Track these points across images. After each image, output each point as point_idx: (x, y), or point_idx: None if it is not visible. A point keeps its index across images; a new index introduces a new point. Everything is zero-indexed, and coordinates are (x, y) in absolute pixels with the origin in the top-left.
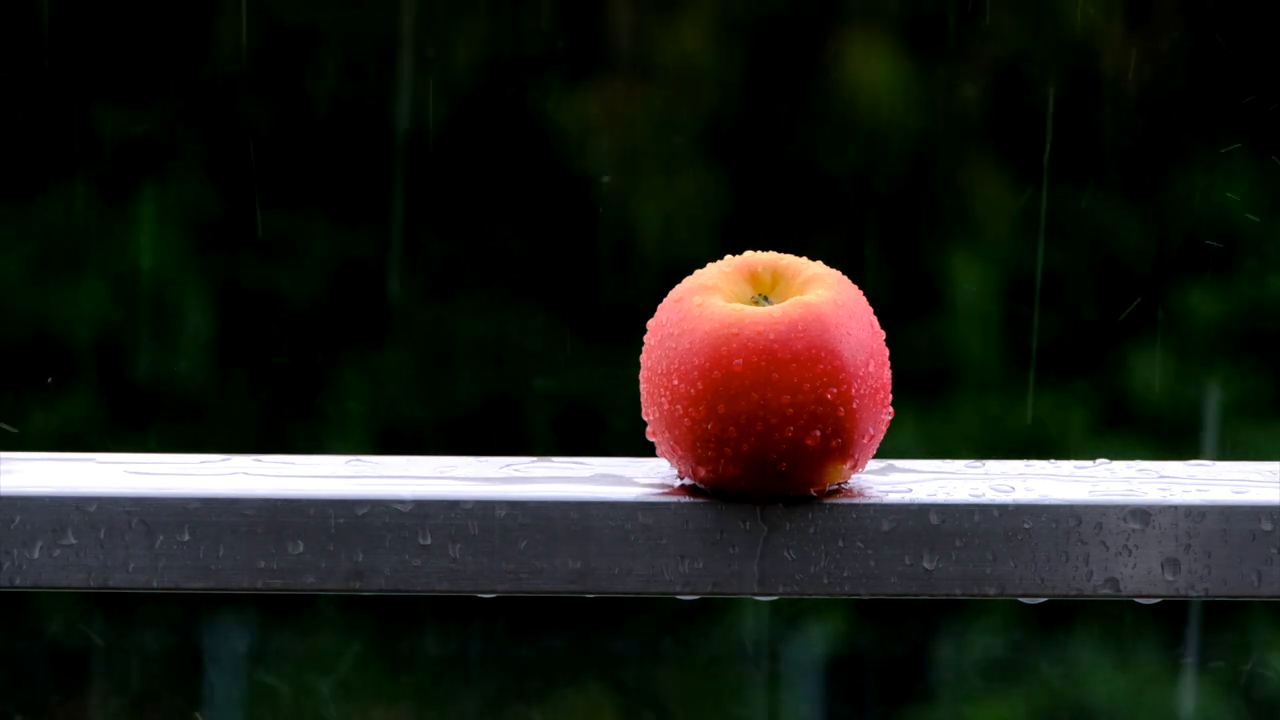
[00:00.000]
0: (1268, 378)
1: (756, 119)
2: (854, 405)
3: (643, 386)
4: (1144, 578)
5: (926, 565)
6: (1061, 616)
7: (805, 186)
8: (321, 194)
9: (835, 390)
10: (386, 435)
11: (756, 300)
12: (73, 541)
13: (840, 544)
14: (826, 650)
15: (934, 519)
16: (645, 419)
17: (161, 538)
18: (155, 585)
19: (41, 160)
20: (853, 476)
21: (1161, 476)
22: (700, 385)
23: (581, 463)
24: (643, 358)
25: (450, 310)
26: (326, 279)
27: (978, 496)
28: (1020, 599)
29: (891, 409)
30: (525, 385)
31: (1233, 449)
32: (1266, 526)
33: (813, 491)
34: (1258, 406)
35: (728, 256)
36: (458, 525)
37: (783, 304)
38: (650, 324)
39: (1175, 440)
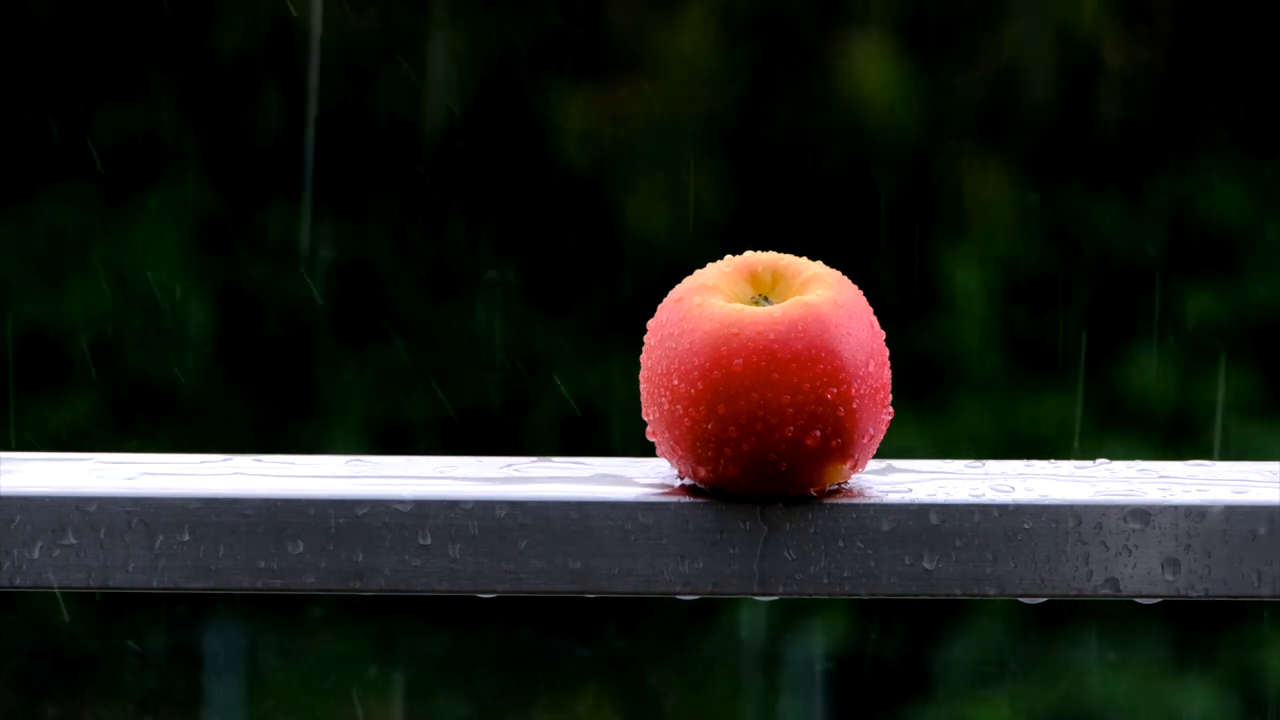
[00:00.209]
0: (1268, 378)
1: (757, 119)
2: (854, 405)
3: (643, 386)
4: (1144, 578)
5: (926, 565)
6: (1061, 616)
7: (805, 186)
8: (322, 194)
9: (835, 390)
10: (386, 435)
11: (756, 300)
12: (73, 541)
13: (840, 544)
14: (826, 650)
15: (934, 519)
16: (645, 419)
17: (161, 538)
18: (155, 585)
19: (41, 160)
20: (853, 476)
21: (1161, 476)
22: (700, 385)
23: (581, 463)
24: (643, 358)
25: (450, 310)
26: (326, 279)
27: (978, 496)
28: (1020, 599)
29: (891, 409)
30: (526, 385)
31: (1233, 449)
32: (1266, 526)
33: (813, 491)
34: (1258, 406)
35: (728, 256)
36: (458, 525)
37: (783, 304)
38: (650, 324)
39: (1175, 440)
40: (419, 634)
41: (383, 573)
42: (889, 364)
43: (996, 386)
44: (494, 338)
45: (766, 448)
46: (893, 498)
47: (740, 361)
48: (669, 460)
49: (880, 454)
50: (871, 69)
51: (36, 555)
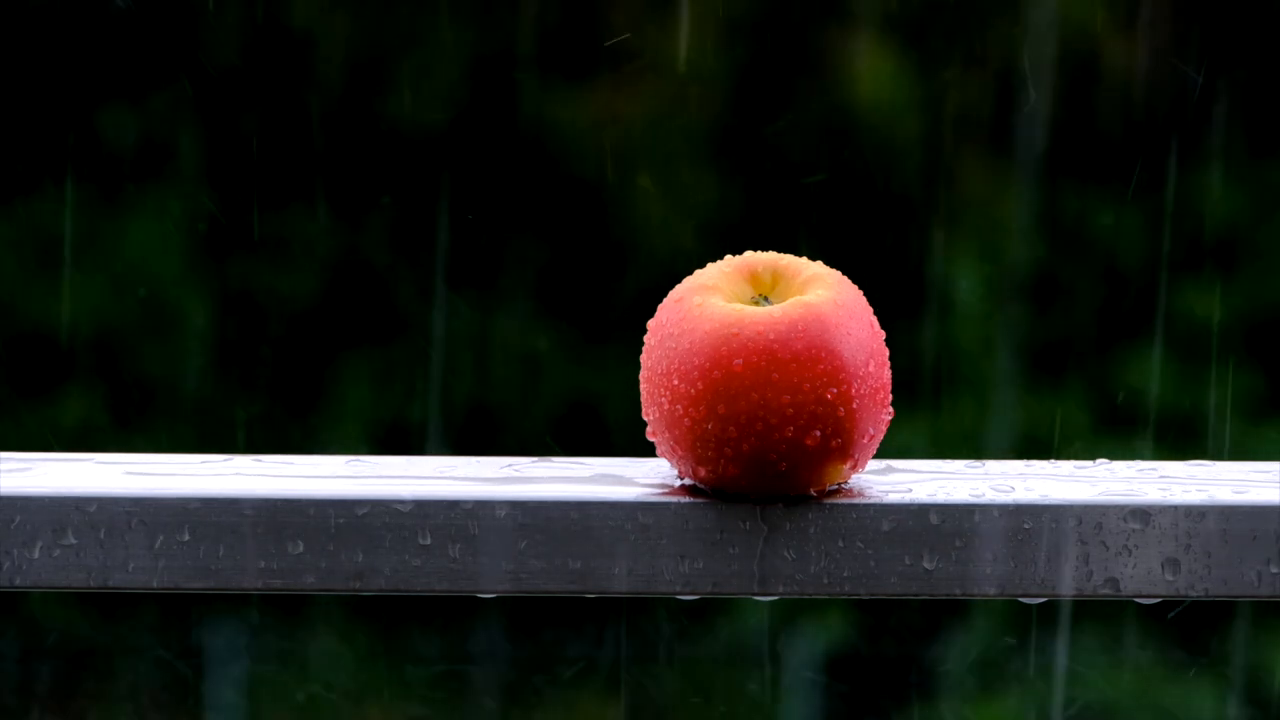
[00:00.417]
0: (1268, 378)
1: (757, 119)
2: (854, 405)
3: (643, 386)
4: (1144, 578)
5: (926, 565)
6: (1061, 616)
7: (805, 186)
8: (321, 194)
9: (835, 390)
10: (386, 435)
11: (756, 300)
12: (73, 541)
13: (840, 544)
14: (826, 650)
15: (934, 519)
16: (645, 419)
17: (161, 538)
18: (155, 585)
19: (41, 160)
20: (853, 476)
21: (1161, 476)
22: (700, 385)
23: (581, 463)
24: (643, 358)
25: (450, 310)
26: (326, 279)
27: (978, 496)
28: (1020, 599)
29: (891, 409)
30: (525, 385)
31: (1233, 449)
32: (1266, 526)
33: (813, 491)
34: (1258, 406)
35: (728, 256)
36: (458, 525)
37: (783, 304)
38: (650, 324)
39: (1175, 440)
40: (419, 634)
41: (383, 573)
42: (889, 364)
43: (996, 386)
44: (494, 338)
45: (766, 448)
46: (893, 498)
47: (740, 361)
48: (669, 460)
49: (880, 454)
50: (871, 69)
51: (36, 555)
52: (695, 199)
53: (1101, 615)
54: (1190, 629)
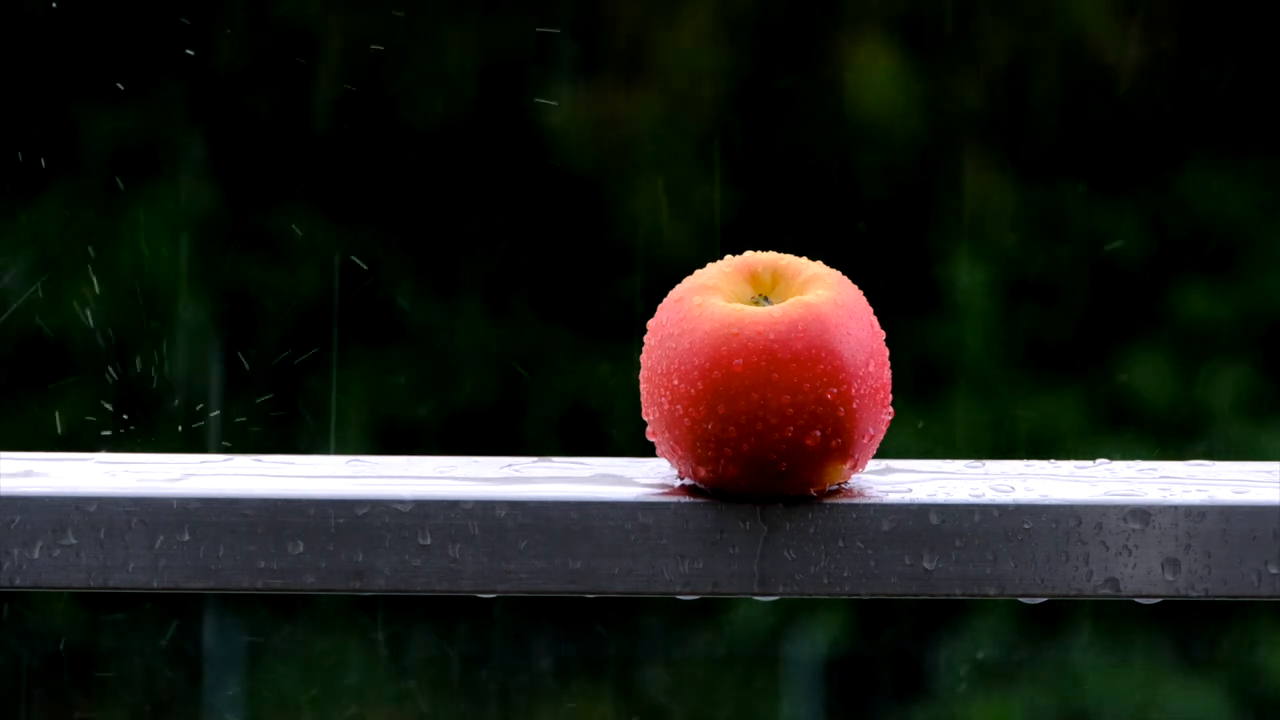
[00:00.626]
0: (1268, 378)
1: (757, 119)
2: (854, 405)
3: (643, 386)
4: (1144, 578)
5: (926, 565)
6: (1061, 616)
7: (805, 186)
8: (321, 194)
9: (835, 390)
10: (386, 435)
11: (756, 300)
12: (73, 541)
13: (840, 544)
14: (826, 650)
15: (934, 519)
16: (645, 419)
17: (161, 538)
18: (155, 585)
19: (41, 160)
20: (853, 476)
21: (1161, 476)
22: (700, 385)
23: (581, 463)
24: (643, 358)
25: (450, 310)
26: (326, 279)
27: (978, 496)
28: (1020, 599)
29: (891, 409)
30: (525, 385)
31: (1233, 449)
32: (1266, 526)
33: (813, 491)
34: (1258, 406)
35: (728, 256)
36: (458, 525)
37: (783, 304)
38: (650, 324)
39: (1175, 440)
40: (419, 633)
41: (383, 573)
42: (889, 364)
43: (996, 386)
44: (494, 338)
45: (766, 448)
46: (893, 498)
47: (740, 361)
48: (669, 460)
49: (880, 454)
50: (872, 69)
51: (36, 555)
52: (695, 199)
53: (1102, 615)
54: (1190, 629)
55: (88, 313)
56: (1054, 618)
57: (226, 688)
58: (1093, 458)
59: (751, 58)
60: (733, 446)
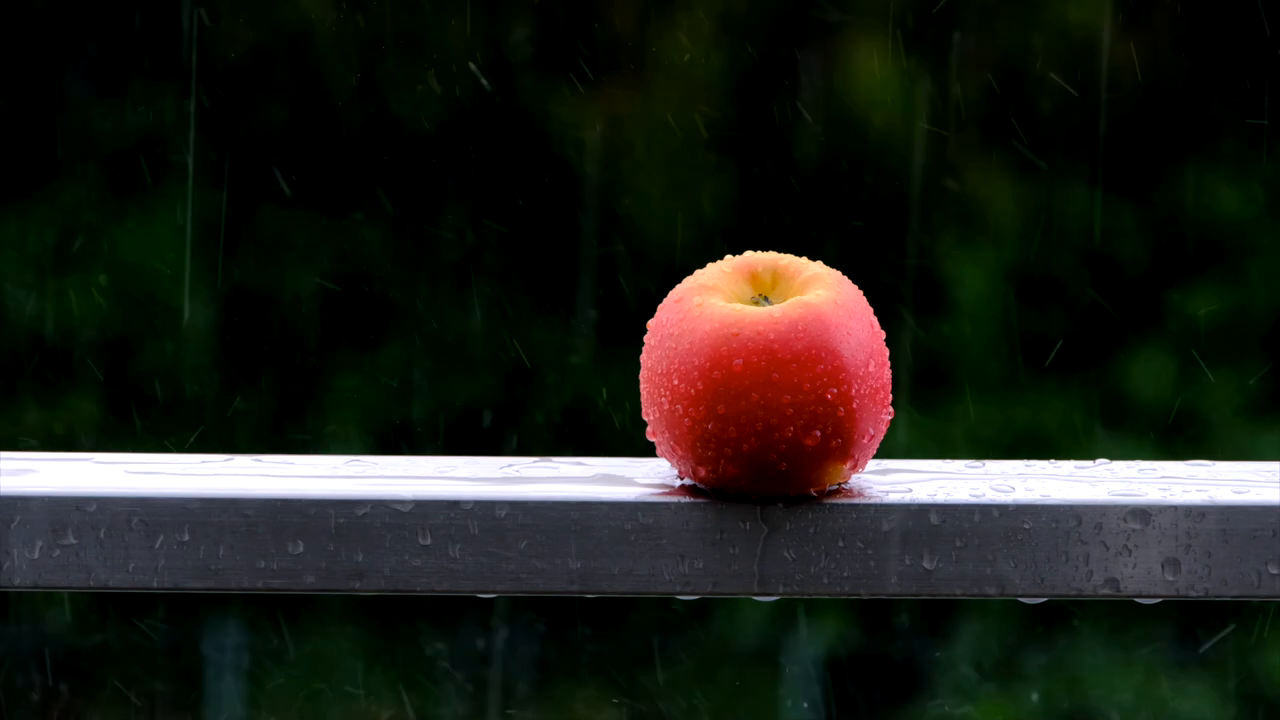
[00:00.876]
0: (1268, 378)
1: (757, 119)
2: (854, 405)
3: (643, 386)
4: (1144, 578)
5: (926, 565)
6: (1062, 616)
7: (806, 186)
8: (321, 194)
9: (835, 390)
10: (386, 435)
11: (756, 300)
12: (73, 541)
13: (840, 544)
14: (826, 650)
15: (934, 519)
16: (645, 419)
17: (161, 538)
18: (155, 585)
19: (41, 160)
20: (853, 476)
21: (1161, 476)
22: (700, 385)
23: (581, 463)
24: (643, 358)
25: (450, 310)
26: (326, 279)
27: (978, 496)
28: (1020, 599)
29: (891, 409)
30: (525, 385)
31: (1233, 449)
32: (1266, 526)
33: (813, 491)
34: (1258, 406)
35: (728, 256)
36: (458, 525)
37: (783, 304)
38: (650, 324)
39: (1175, 440)
40: (418, 634)
41: (383, 573)
42: (889, 364)
43: (997, 386)
44: (494, 338)
45: (766, 448)
46: (893, 498)
47: (740, 361)
48: (669, 460)
49: (880, 454)
50: (872, 69)
51: (36, 555)
52: (695, 199)
53: (1102, 615)
54: (1190, 629)
55: (88, 312)
56: (1054, 618)
57: (226, 688)
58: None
59: (751, 57)
60: (733, 446)
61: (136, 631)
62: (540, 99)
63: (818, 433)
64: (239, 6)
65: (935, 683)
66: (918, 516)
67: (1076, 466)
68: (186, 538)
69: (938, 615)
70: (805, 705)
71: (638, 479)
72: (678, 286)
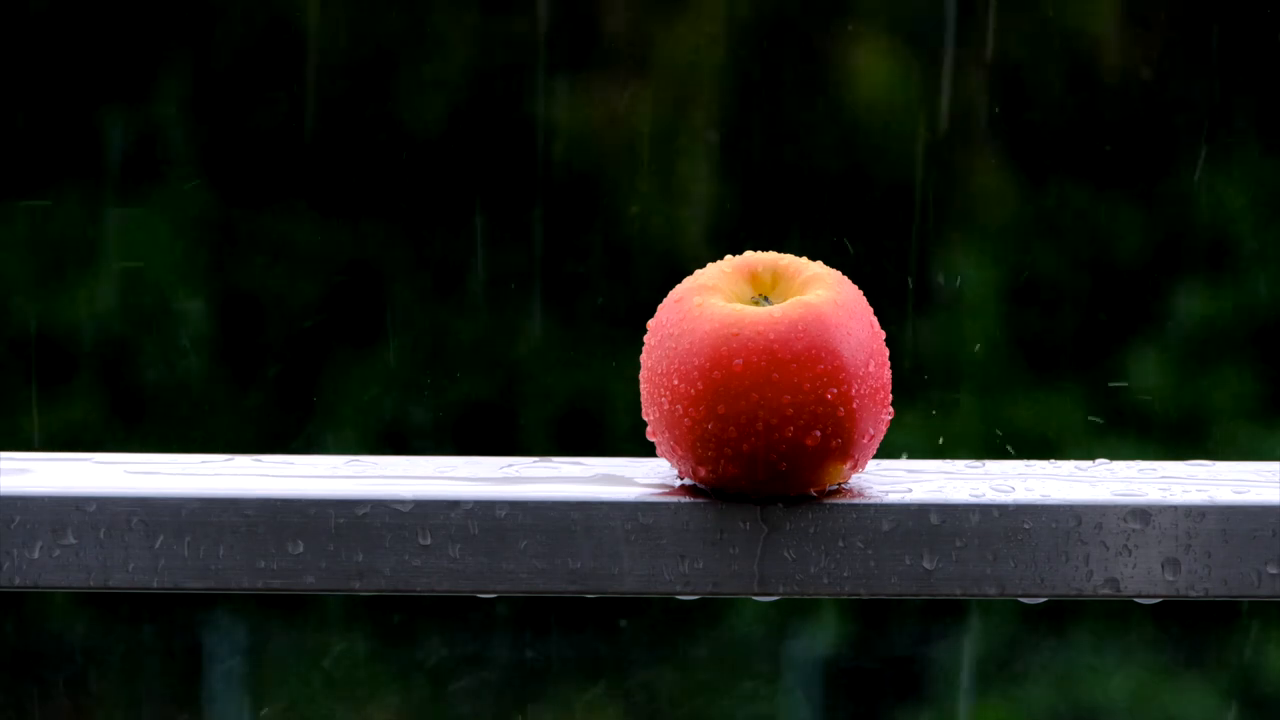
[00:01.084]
0: (1268, 378)
1: (757, 118)
2: (854, 405)
3: (643, 386)
4: (1144, 578)
5: (926, 565)
6: (1062, 616)
7: (806, 186)
8: (321, 194)
9: (835, 390)
10: (386, 435)
11: (756, 300)
12: (73, 541)
13: (840, 544)
14: (826, 650)
15: (934, 519)
16: (645, 419)
17: (161, 538)
18: (155, 585)
19: (41, 160)
20: (853, 476)
21: (1161, 476)
22: (700, 385)
23: (581, 463)
24: (643, 358)
25: (450, 310)
26: (326, 279)
27: (978, 496)
28: (1020, 599)
29: (891, 409)
30: (525, 385)
31: (1233, 449)
32: (1266, 526)
33: (813, 491)
34: (1258, 406)
35: (728, 256)
36: (458, 525)
37: (783, 304)
38: (650, 324)
39: (1175, 440)
40: (418, 634)
41: (383, 573)
42: (889, 364)
43: (997, 386)
44: (493, 338)
45: (766, 448)
46: (893, 498)
47: (740, 361)
48: (669, 460)
49: (880, 454)
50: (872, 68)
51: (36, 555)
52: (695, 199)
53: (1102, 615)
54: (1190, 629)
55: (87, 313)
56: (1054, 618)
57: (226, 687)
58: (1093, 458)
59: (751, 57)
60: (733, 446)
61: (136, 631)
62: (540, 98)
63: (818, 433)
64: (239, 5)
65: (935, 683)
66: (918, 516)
67: (1076, 466)
68: (186, 537)
69: (938, 615)
70: (805, 705)
71: (638, 479)
72: (678, 286)
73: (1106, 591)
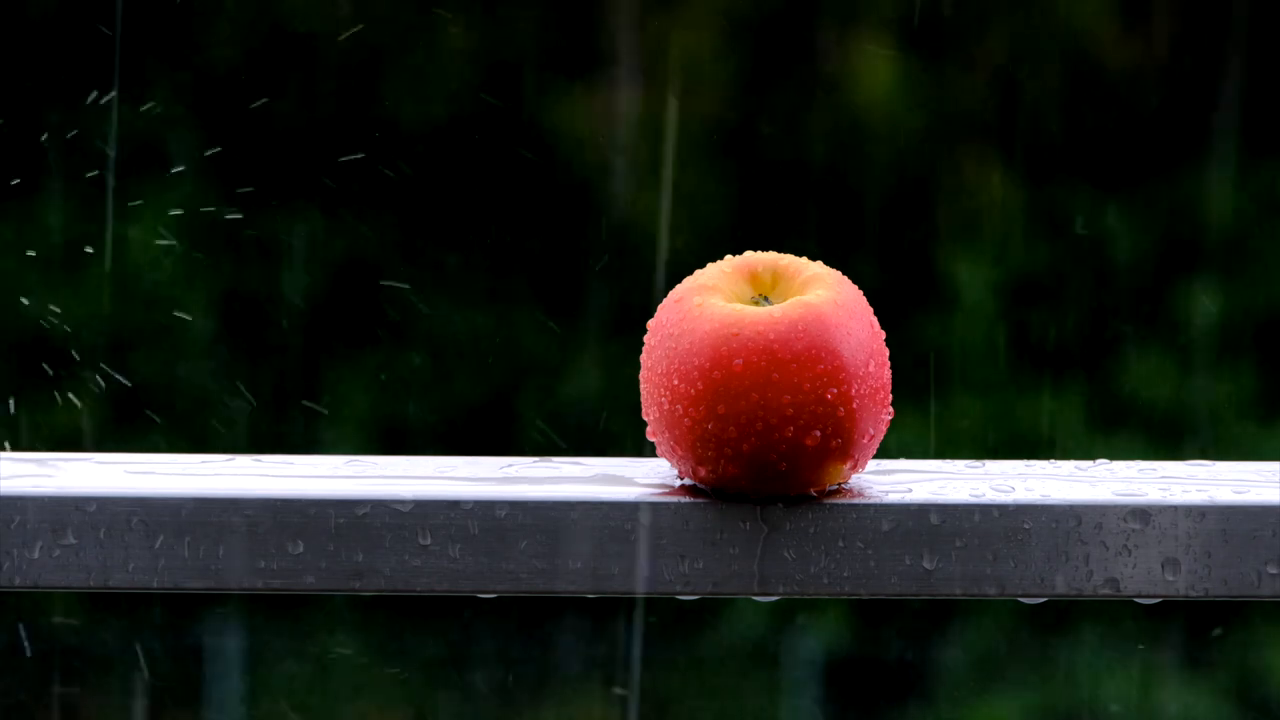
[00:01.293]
0: (1268, 378)
1: (757, 119)
2: (854, 405)
3: (643, 386)
4: (1144, 578)
5: (926, 565)
6: (1062, 616)
7: (806, 186)
8: (321, 194)
9: (835, 390)
10: (386, 435)
11: (756, 300)
12: (73, 541)
13: (840, 544)
14: (826, 650)
15: (934, 519)
16: (645, 419)
17: (161, 538)
18: (155, 585)
19: (41, 160)
20: (853, 476)
21: (1161, 476)
22: (700, 385)
23: (581, 463)
24: (643, 358)
25: (450, 310)
26: (326, 279)
27: (978, 496)
28: (1020, 599)
29: (891, 409)
30: (525, 385)
31: (1233, 449)
32: (1266, 526)
33: (813, 491)
34: (1258, 406)
35: (728, 256)
36: (458, 525)
37: (783, 304)
38: (650, 324)
39: (1175, 440)
40: (419, 634)
41: (383, 573)
42: (889, 364)
43: (997, 386)
44: (494, 337)
45: (766, 448)
46: (893, 498)
47: (740, 361)
48: (669, 460)
49: (880, 454)
50: (872, 69)
51: (36, 555)
52: (695, 199)
53: (1102, 615)
54: (1190, 629)
55: (87, 313)
56: (1054, 618)
57: (227, 688)
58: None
59: (752, 57)
60: (733, 446)
61: (137, 631)
62: (541, 99)
63: (818, 433)
64: (240, 6)
65: (935, 683)
66: (918, 516)
67: (1076, 466)
68: (186, 537)
69: (938, 615)
70: (804, 705)
71: (638, 479)
72: (678, 286)
73: (1106, 591)
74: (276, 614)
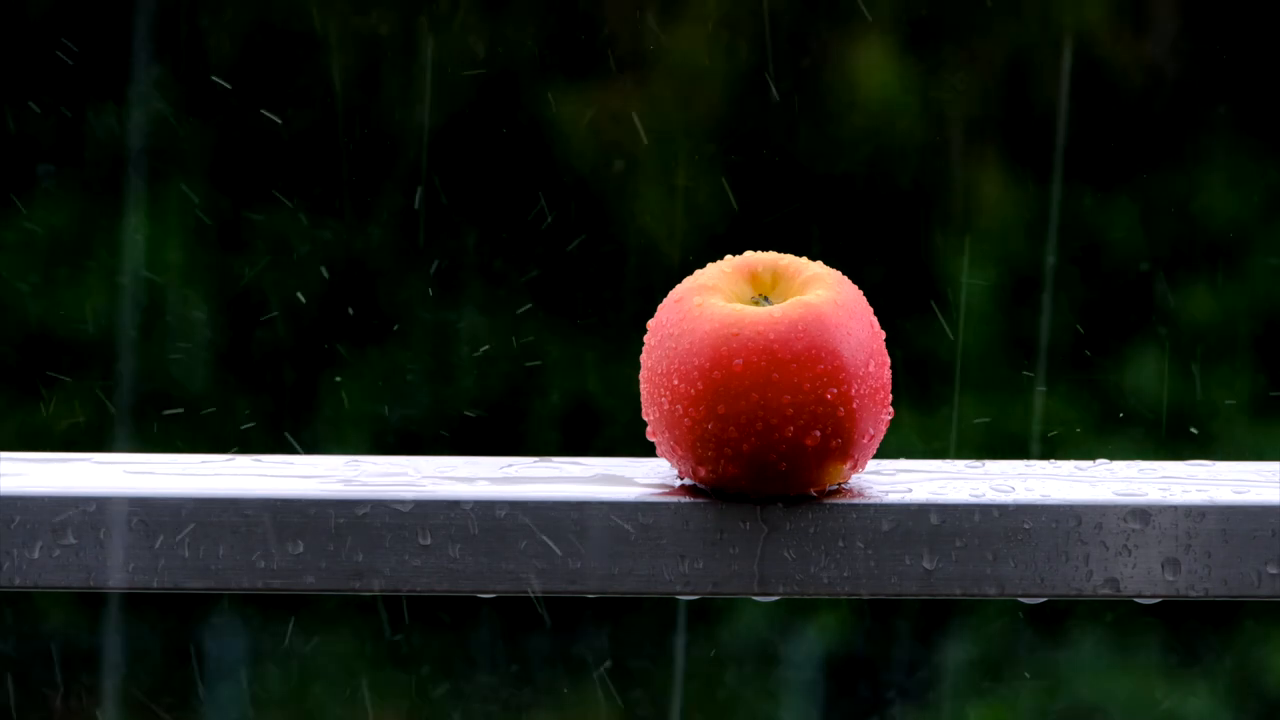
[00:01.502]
0: (1268, 378)
1: (757, 118)
2: (854, 405)
3: (643, 386)
4: (1144, 578)
5: (926, 565)
6: (1061, 617)
7: (806, 186)
8: (321, 194)
9: (835, 390)
10: (386, 435)
11: (756, 300)
12: (73, 541)
13: (840, 544)
14: (826, 650)
15: (934, 519)
16: (645, 419)
17: (161, 538)
18: (155, 585)
19: (41, 160)
20: (853, 476)
21: (1161, 476)
22: (700, 385)
23: (581, 463)
24: (643, 358)
25: (450, 310)
26: (326, 279)
27: (978, 496)
28: (1020, 599)
29: (891, 409)
30: (525, 385)
31: (1233, 449)
32: (1266, 526)
33: (813, 491)
34: (1258, 406)
35: (728, 256)
36: (458, 525)
37: (783, 304)
38: (650, 324)
39: (1175, 440)
40: (418, 634)
41: (383, 573)
42: (889, 364)
43: (997, 386)
44: (494, 338)
45: (766, 448)
46: (893, 498)
47: (740, 361)
48: (669, 460)
49: (880, 454)
50: (872, 69)
51: (36, 555)
52: (695, 199)
53: (1101, 615)
54: (1190, 629)
55: (87, 312)
56: (1054, 618)
57: (227, 688)
58: (1093, 458)
59: (751, 57)
60: (733, 446)
61: (136, 631)
62: (540, 98)
63: (818, 433)
64: (239, 6)
65: (935, 683)
66: (918, 516)
67: (1076, 466)
68: (186, 538)
69: (938, 615)
70: (805, 705)
71: (638, 479)
72: (678, 286)
73: (1106, 591)
74: (276, 614)
